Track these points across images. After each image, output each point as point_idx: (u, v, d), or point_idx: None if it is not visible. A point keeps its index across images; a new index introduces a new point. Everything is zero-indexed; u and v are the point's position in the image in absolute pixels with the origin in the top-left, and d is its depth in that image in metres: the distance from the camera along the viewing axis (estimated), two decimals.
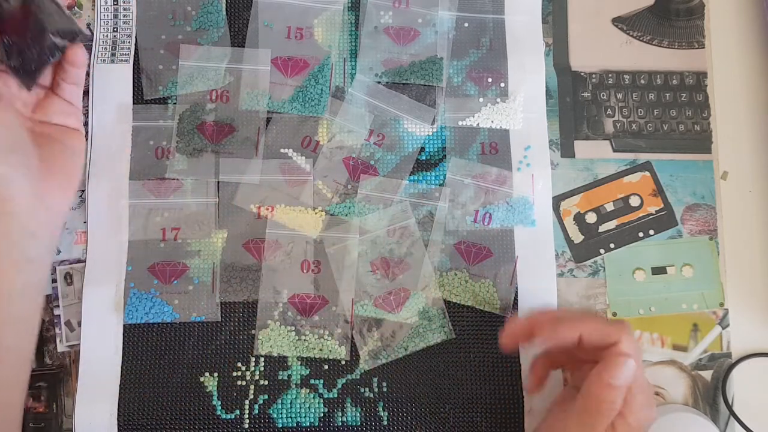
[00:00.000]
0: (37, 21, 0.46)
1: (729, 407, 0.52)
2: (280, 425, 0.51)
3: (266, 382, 0.51)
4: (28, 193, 0.44)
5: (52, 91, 0.50)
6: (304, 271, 0.52)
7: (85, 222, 0.53)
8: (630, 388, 0.40)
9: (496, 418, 0.51)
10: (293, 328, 0.52)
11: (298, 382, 0.51)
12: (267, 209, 0.53)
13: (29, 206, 0.45)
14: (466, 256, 0.53)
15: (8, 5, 0.45)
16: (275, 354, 0.52)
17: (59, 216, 0.49)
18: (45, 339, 0.52)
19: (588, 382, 0.41)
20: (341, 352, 0.52)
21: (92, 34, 0.56)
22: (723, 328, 0.54)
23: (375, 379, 0.52)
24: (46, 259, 0.48)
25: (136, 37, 0.56)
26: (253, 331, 0.52)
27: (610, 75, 0.57)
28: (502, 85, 0.56)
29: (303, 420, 0.51)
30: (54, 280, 0.52)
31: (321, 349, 0.52)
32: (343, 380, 0.52)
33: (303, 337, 0.52)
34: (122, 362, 0.51)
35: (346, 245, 0.53)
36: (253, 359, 0.52)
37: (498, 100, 0.56)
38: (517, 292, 0.53)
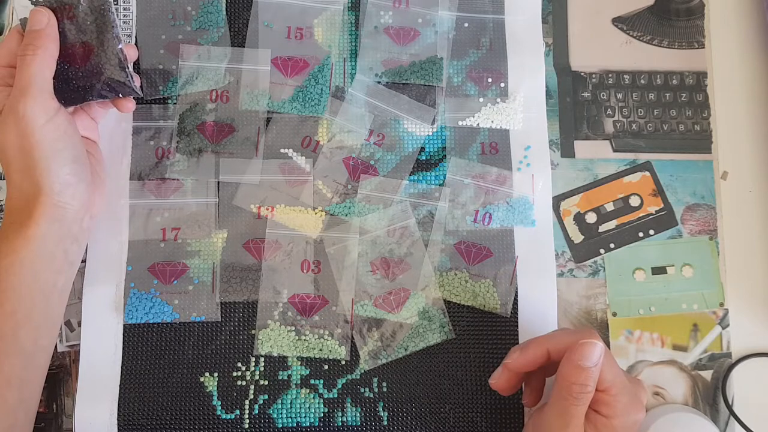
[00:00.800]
0: (95, 66, 0.47)
1: (729, 407, 0.52)
2: (280, 425, 0.51)
3: (266, 382, 0.51)
4: (81, 201, 0.47)
5: (81, 107, 0.51)
6: (304, 271, 0.52)
7: None
8: (610, 390, 0.42)
9: (496, 418, 0.51)
10: (293, 328, 0.52)
11: (298, 382, 0.51)
12: (267, 209, 0.53)
13: (78, 213, 0.47)
14: (466, 256, 0.53)
15: (73, 37, 0.47)
16: (275, 354, 0.52)
17: (95, 222, 0.51)
18: None
19: (560, 368, 0.42)
20: (341, 352, 0.51)
21: None
22: (723, 328, 0.54)
23: (375, 379, 0.52)
24: (79, 262, 0.50)
25: (136, 37, 0.56)
26: (253, 331, 0.52)
27: (610, 75, 0.57)
28: (502, 85, 0.56)
29: (303, 420, 0.51)
30: None
31: (321, 349, 0.52)
32: (343, 380, 0.52)
33: (303, 337, 0.52)
34: (122, 362, 0.51)
35: (346, 245, 0.53)
36: (253, 359, 0.52)
37: (498, 100, 0.56)
38: (517, 292, 0.53)
